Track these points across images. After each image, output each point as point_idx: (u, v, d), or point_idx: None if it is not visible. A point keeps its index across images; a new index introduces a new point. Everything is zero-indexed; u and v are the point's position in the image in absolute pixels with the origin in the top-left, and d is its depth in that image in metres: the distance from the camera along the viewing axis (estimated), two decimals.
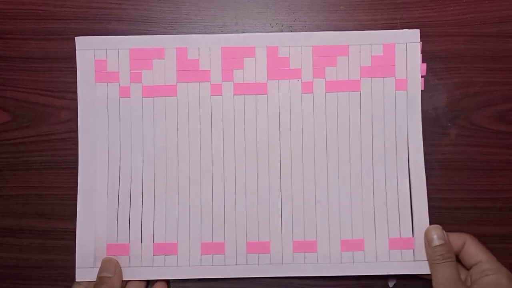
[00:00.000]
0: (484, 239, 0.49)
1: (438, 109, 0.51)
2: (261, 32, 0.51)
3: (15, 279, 0.51)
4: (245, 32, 0.51)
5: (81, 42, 0.51)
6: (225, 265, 0.50)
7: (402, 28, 0.51)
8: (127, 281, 0.50)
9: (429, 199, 0.50)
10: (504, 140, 0.51)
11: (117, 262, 0.49)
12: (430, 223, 0.50)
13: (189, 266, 0.50)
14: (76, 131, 0.51)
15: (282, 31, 0.51)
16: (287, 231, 0.50)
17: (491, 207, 0.51)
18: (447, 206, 0.51)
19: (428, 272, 0.48)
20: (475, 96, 0.51)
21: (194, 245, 0.50)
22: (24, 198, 0.51)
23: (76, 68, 0.51)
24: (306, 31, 0.51)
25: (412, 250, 0.50)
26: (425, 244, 0.49)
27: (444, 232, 0.48)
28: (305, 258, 0.50)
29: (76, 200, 0.50)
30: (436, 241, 0.48)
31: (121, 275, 0.49)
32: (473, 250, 0.47)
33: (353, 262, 0.50)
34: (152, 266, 0.50)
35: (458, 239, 0.48)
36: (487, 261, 0.46)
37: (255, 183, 0.50)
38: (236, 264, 0.50)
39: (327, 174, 0.50)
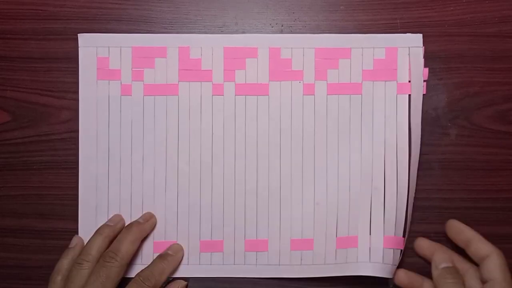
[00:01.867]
0: None
1: (438, 109, 0.51)
2: (261, 32, 0.51)
3: (15, 279, 0.51)
4: (245, 32, 0.51)
5: (84, 39, 0.51)
6: (223, 264, 0.50)
7: (402, 28, 0.51)
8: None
9: (429, 199, 0.51)
10: (504, 140, 0.51)
11: (154, 216, 0.51)
12: (430, 223, 0.50)
13: (188, 264, 0.50)
14: (76, 131, 0.51)
15: (282, 31, 0.51)
16: (285, 229, 0.50)
17: (491, 207, 0.51)
18: (447, 206, 0.51)
19: None
20: (475, 96, 0.51)
21: (192, 243, 0.50)
22: (24, 198, 0.51)
23: (76, 67, 0.51)
24: (306, 31, 0.51)
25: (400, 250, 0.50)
26: (432, 267, 0.48)
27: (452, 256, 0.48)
28: (301, 258, 0.50)
29: (76, 200, 0.50)
30: (444, 264, 0.47)
31: (154, 225, 0.50)
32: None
33: (346, 263, 0.50)
34: None
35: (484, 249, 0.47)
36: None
37: (255, 183, 0.50)
38: (234, 264, 0.50)
39: (326, 176, 0.50)
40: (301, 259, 0.50)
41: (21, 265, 0.51)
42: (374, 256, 0.50)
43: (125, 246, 0.47)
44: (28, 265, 0.51)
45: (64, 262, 0.48)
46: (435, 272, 0.47)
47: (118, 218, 0.50)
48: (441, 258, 0.48)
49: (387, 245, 0.50)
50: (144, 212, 0.50)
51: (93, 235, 0.48)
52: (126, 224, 0.50)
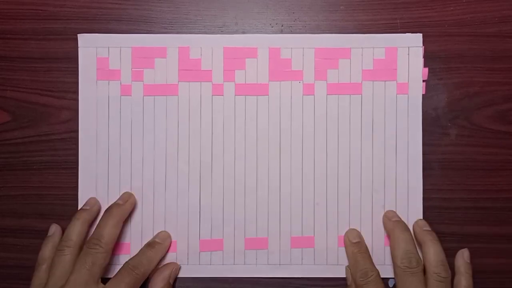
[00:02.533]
0: (484, 239, 0.50)
1: (438, 109, 0.51)
2: (261, 32, 0.51)
3: (15, 279, 0.51)
4: (245, 32, 0.51)
5: (83, 39, 0.51)
6: (223, 264, 0.50)
7: (402, 28, 0.51)
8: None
9: (429, 199, 0.50)
10: (504, 140, 0.51)
11: (132, 194, 0.51)
12: (430, 223, 0.50)
13: (187, 264, 0.50)
14: (76, 131, 0.51)
15: (282, 31, 0.51)
16: (285, 228, 0.50)
17: (491, 207, 0.51)
18: (447, 206, 0.51)
19: None
20: (475, 96, 0.51)
21: (192, 243, 0.50)
22: (24, 198, 0.51)
23: (76, 67, 0.51)
24: (306, 31, 0.51)
25: None
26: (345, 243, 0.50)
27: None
28: (302, 258, 0.50)
29: (76, 200, 0.51)
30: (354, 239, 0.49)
31: (133, 204, 0.50)
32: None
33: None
34: None
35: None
36: None
37: (255, 182, 0.51)
38: (234, 264, 0.50)
39: (326, 176, 0.50)
40: (302, 259, 0.50)
41: (21, 265, 0.51)
42: (376, 257, 0.50)
43: (108, 230, 0.47)
44: (28, 265, 0.51)
45: (45, 251, 0.48)
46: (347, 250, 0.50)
47: (93, 201, 0.50)
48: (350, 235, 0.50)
49: (387, 243, 0.50)
50: (124, 194, 0.51)
51: (71, 221, 0.48)
52: (103, 208, 0.50)
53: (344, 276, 0.50)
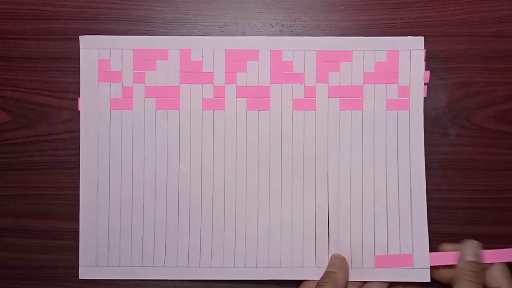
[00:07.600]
0: (484, 239, 0.50)
1: (438, 109, 0.51)
2: (261, 31, 0.51)
3: (15, 279, 0.51)
4: (246, 31, 0.51)
5: (85, 41, 0.51)
6: (223, 267, 0.50)
7: (402, 28, 0.51)
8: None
9: (429, 199, 0.50)
10: (504, 140, 0.51)
11: (344, 258, 0.50)
12: (430, 223, 0.50)
13: (187, 267, 0.50)
14: (76, 131, 0.51)
15: (282, 31, 0.51)
16: (286, 230, 0.50)
17: (491, 207, 0.51)
18: (447, 206, 0.51)
19: (427, 280, 0.49)
20: (475, 96, 0.51)
21: (193, 245, 0.50)
22: (24, 198, 0.51)
23: (76, 67, 0.50)
24: (306, 31, 0.51)
25: (411, 259, 0.50)
26: (459, 255, 0.48)
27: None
28: (303, 260, 0.50)
29: (76, 200, 0.50)
30: (470, 256, 0.47)
31: (346, 271, 0.49)
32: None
33: (351, 268, 0.50)
34: (153, 266, 0.50)
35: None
36: None
37: (256, 185, 0.50)
38: (234, 267, 0.50)
39: (327, 178, 0.50)
40: (303, 261, 0.50)
41: (21, 265, 0.51)
42: (379, 259, 0.50)
43: None
44: (28, 265, 0.51)
45: None
46: (459, 263, 0.47)
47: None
48: (469, 248, 0.47)
49: (390, 246, 0.50)
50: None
51: None
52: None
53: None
